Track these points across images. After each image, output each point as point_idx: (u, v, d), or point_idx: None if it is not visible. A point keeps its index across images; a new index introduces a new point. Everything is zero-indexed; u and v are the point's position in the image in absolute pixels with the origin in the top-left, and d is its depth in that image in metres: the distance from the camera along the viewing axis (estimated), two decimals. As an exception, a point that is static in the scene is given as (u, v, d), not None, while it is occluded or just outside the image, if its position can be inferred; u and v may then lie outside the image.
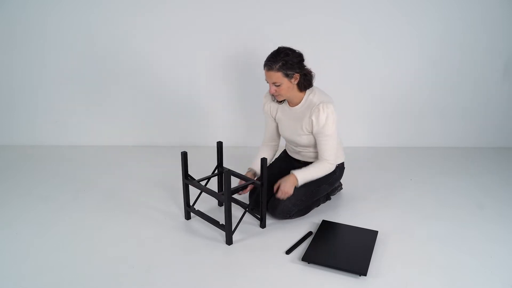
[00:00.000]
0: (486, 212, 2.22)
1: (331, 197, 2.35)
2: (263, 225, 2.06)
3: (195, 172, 2.41)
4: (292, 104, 2.10)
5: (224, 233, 1.98)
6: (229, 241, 1.92)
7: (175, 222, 2.11)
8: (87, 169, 2.80)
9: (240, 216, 1.98)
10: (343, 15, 2.89)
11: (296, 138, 2.14)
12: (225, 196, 1.83)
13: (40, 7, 2.90)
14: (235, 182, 2.20)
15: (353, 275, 1.70)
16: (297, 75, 1.96)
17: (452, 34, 2.94)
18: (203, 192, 2.06)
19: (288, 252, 1.85)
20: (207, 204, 2.29)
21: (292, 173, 2.03)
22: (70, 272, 1.72)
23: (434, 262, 1.79)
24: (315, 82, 2.09)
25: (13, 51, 3.02)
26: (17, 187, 2.52)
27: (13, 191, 2.46)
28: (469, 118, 3.16)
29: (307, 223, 2.11)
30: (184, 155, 2.02)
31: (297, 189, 2.04)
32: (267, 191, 2.03)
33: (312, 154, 2.18)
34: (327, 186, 2.18)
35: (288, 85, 1.97)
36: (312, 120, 2.01)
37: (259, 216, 2.08)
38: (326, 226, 2.03)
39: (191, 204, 2.16)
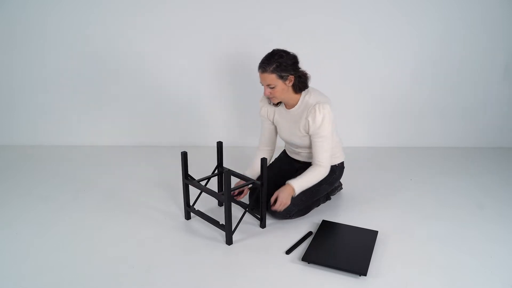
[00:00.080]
0: (486, 212, 2.22)
1: (331, 197, 2.35)
2: (263, 225, 2.06)
3: (195, 172, 2.41)
4: (288, 106, 2.09)
5: (224, 233, 1.98)
6: (229, 241, 1.92)
7: (175, 222, 2.11)
8: (87, 169, 2.80)
9: (240, 216, 1.98)
10: (343, 15, 2.89)
11: (295, 140, 2.13)
12: (225, 196, 1.83)
13: (40, 7, 2.91)
14: (235, 182, 2.21)
15: (353, 275, 1.70)
16: (291, 77, 1.95)
17: (452, 34, 2.94)
18: (203, 192, 2.06)
19: (288, 252, 1.85)
20: (207, 204, 2.29)
21: (288, 183, 2.00)
22: (70, 272, 1.72)
23: (434, 262, 1.79)
24: (314, 83, 2.08)
25: (13, 51, 3.02)
26: (17, 187, 2.52)
27: (13, 191, 2.46)
28: (469, 118, 3.16)
29: (307, 223, 2.11)
30: (184, 155, 2.02)
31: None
32: (267, 191, 2.02)
33: (311, 155, 2.17)
34: (327, 186, 2.17)
35: (283, 87, 1.97)
36: (308, 120, 2.00)
37: (259, 216, 2.07)
38: (326, 226, 2.03)
39: (191, 204, 2.16)
